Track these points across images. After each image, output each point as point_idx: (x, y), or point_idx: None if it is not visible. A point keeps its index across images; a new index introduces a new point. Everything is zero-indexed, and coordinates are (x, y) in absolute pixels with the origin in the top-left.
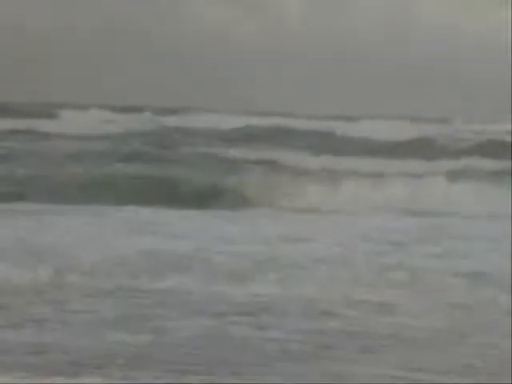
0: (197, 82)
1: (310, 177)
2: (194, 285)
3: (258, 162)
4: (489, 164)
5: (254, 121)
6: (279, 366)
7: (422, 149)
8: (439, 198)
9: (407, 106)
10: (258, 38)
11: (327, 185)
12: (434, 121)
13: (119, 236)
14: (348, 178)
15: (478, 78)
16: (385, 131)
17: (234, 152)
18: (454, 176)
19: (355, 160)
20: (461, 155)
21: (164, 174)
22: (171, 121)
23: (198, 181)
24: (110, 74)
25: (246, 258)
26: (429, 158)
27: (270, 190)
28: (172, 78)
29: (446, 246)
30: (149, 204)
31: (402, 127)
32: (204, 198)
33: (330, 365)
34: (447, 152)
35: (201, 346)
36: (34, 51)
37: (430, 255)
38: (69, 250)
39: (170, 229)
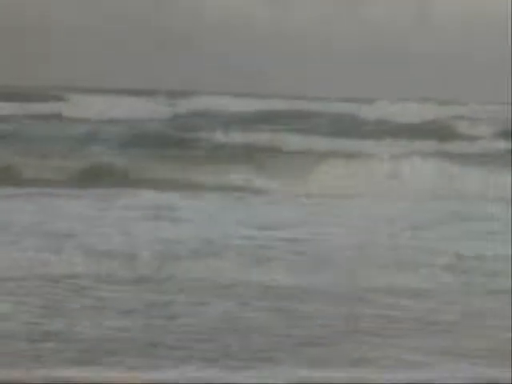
0: (203, 64)
1: (324, 160)
2: (217, 271)
3: (272, 148)
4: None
5: (265, 104)
6: (303, 352)
7: (437, 131)
8: (455, 181)
9: (424, 88)
10: (268, 20)
11: (342, 168)
12: (449, 102)
13: (136, 222)
14: (364, 162)
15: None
16: (401, 113)
17: (244, 137)
18: (467, 158)
19: (372, 143)
20: (477, 138)
21: (176, 160)
22: (183, 104)
23: (211, 168)
24: (111, 58)
25: (268, 243)
26: (444, 139)
27: (283, 175)
28: (176, 61)
29: (464, 229)
30: (162, 189)
31: (419, 109)
32: (218, 186)
33: (356, 350)
34: (463, 134)
35: (219, 332)
36: (35, 36)
37: (448, 238)
38: (82, 236)
39: (187, 214)
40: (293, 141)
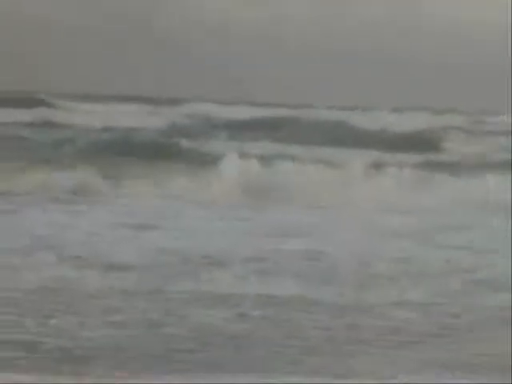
0: (198, 72)
1: (320, 169)
2: (216, 281)
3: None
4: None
5: (259, 112)
6: (302, 362)
7: (431, 141)
8: (453, 192)
9: (421, 96)
10: (262, 26)
11: (335, 178)
12: (446, 111)
13: (134, 232)
14: (359, 171)
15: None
16: (397, 122)
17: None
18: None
19: (367, 152)
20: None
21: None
22: (177, 112)
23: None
24: (110, 59)
25: (269, 252)
26: (440, 150)
27: (276, 185)
28: (171, 68)
29: (461, 240)
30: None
31: (414, 118)
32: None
33: (354, 360)
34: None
35: (217, 342)
36: (33, 39)
37: (446, 249)
38: (71, 246)
39: (185, 223)
40: (288, 150)
